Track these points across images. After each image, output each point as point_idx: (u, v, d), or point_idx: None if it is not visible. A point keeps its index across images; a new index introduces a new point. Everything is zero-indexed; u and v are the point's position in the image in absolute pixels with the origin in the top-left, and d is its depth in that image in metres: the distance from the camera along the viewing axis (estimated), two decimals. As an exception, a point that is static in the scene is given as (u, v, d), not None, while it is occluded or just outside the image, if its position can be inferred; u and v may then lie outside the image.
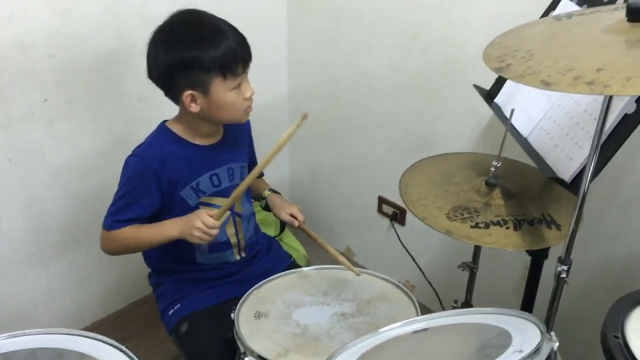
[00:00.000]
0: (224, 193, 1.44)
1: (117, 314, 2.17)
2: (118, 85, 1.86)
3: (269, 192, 1.61)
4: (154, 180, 1.35)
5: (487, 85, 1.55)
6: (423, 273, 2.07)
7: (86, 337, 1.08)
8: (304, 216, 1.53)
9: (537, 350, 0.85)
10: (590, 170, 1.01)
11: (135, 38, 1.81)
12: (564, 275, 1.11)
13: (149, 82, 1.36)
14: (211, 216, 1.30)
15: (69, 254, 1.95)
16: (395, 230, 2.20)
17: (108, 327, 2.11)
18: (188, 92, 1.29)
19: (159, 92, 1.36)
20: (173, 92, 1.33)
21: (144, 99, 1.91)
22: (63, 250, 1.94)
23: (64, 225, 1.90)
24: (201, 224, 1.29)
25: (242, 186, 1.32)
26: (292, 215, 1.52)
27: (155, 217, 1.40)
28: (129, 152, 1.40)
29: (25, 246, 1.85)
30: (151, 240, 1.39)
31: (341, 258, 1.40)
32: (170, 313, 1.46)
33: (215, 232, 1.31)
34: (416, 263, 2.09)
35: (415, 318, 1.08)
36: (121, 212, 1.37)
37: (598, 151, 1.00)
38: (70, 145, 1.82)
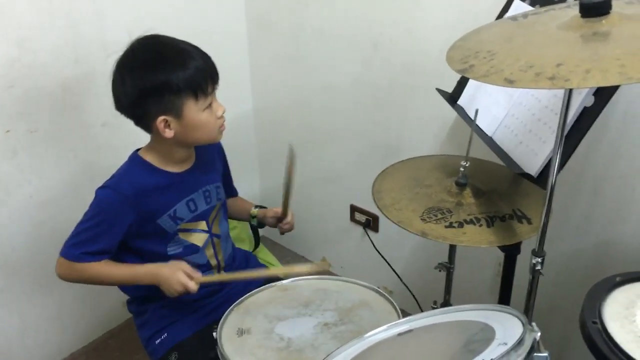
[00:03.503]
0: (202, 217, 1.44)
1: (93, 345, 2.13)
2: (81, 112, 1.84)
3: (257, 209, 1.62)
4: (127, 212, 1.32)
5: (449, 88, 1.58)
6: (400, 278, 2.09)
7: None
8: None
9: (520, 341, 0.86)
10: (557, 163, 1.05)
11: (95, 64, 1.80)
12: (538, 267, 1.14)
13: (113, 108, 1.33)
14: (190, 276, 1.32)
15: (40, 287, 1.91)
16: (370, 237, 2.21)
17: (85, 358, 2.07)
18: (161, 118, 1.27)
19: (124, 117, 1.34)
20: (145, 120, 1.31)
21: (108, 124, 1.89)
22: (34, 283, 1.90)
23: (33, 258, 1.86)
24: (182, 288, 1.31)
25: (247, 275, 1.42)
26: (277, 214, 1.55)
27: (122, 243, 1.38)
28: (95, 180, 1.37)
29: (-6, 282, 1.80)
30: (122, 282, 1.42)
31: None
32: (157, 342, 1.43)
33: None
34: (392, 268, 2.10)
35: (398, 321, 1.09)
36: (88, 244, 1.32)
37: (562, 144, 1.03)
38: (35, 175, 1.79)
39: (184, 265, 1.34)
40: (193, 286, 1.31)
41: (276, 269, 1.43)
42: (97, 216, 1.33)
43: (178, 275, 1.31)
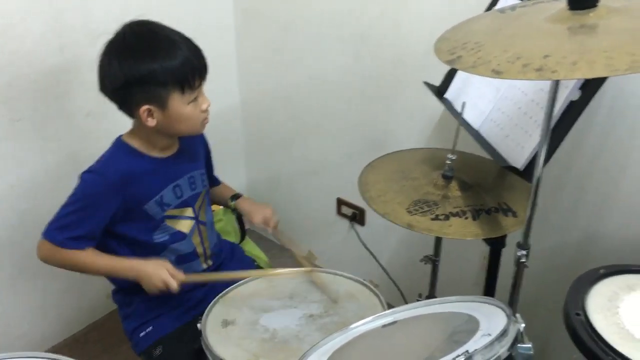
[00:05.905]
0: (188, 203, 1.43)
1: (75, 336, 2.11)
2: (65, 101, 1.82)
3: (234, 202, 1.60)
4: (112, 198, 1.31)
5: (436, 82, 1.58)
6: (385, 271, 2.09)
7: (47, 358, 1.04)
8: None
9: (504, 332, 0.87)
10: (543, 156, 1.05)
11: (80, 52, 1.77)
12: (523, 259, 1.15)
13: (97, 97, 1.31)
14: (173, 275, 1.30)
15: (23, 276, 1.89)
16: (356, 231, 2.21)
17: (68, 350, 2.05)
18: (145, 107, 1.26)
19: (109, 107, 1.32)
20: (128, 107, 1.30)
21: (92, 114, 1.87)
22: (17, 273, 1.87)
23: (15, 248, 1.84)
24: (163, 285, 1.30)
25: (232, 275, 1.38)
26: (265, 222, 1.54)
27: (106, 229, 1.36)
28: (79, 169, 1.34)
29: (-24, 273, 1.78)
30: (103, 273, 1.39)
31: (306, 263, 1.45)
32: (141, 335, 1.42)
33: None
34: (378, 261, 2.11)
35: (383, 312, 1.09)
36: (72, 228, 1.31)
37: (549, 137, 1.04)
38: (17, 165, 1.77)
39: (167, 264, 1.33)
40: (175, 285, 1.30)
41: (261, 271, 1.41)
42: (81, 200, 1.31)
43: (161, 272, 1.30)
